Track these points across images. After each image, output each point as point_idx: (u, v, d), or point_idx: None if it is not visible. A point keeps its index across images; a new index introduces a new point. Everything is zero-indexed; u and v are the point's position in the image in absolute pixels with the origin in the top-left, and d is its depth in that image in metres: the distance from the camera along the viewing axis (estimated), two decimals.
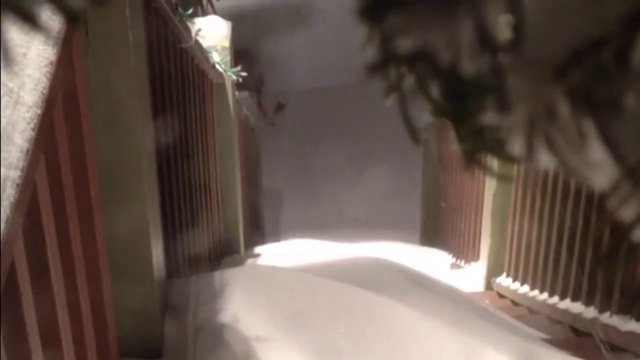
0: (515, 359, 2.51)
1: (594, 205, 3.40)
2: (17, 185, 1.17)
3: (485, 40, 0.53)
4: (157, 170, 2.77)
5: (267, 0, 10.16)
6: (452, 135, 0.69)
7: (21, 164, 1.20)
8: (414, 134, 0.70)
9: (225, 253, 5.07)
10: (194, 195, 3.94)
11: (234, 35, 5.20)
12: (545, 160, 0.63)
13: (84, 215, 1.78)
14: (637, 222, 0.62)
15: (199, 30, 4.18)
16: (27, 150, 1.24)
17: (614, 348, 3.18)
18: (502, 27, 0.50)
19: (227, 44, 5.00)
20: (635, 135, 0.54)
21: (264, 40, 10.36)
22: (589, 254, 3.49)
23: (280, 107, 10.74)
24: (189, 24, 3.91)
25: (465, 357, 2.54)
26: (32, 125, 1.29)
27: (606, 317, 3.29)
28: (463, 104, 0.63)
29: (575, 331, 3.62)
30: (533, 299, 4.23)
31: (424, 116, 0.71)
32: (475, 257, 5.56)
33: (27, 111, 1.30)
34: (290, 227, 9.62)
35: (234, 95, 5.42)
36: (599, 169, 0.59)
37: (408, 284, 3.63)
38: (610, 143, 0.55)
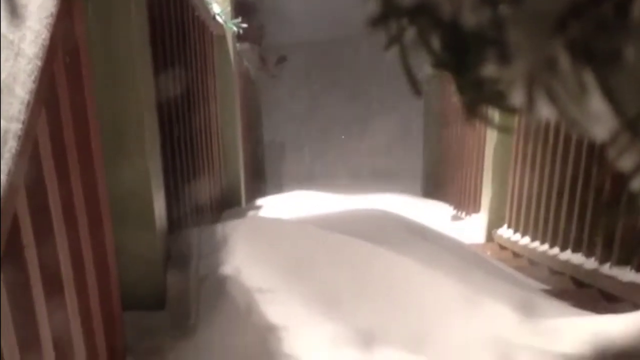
0: (514, 308, 2.53)
1: (595, 156, 3.40)
2: (19, 137, 1.17)
3: None
4: (159, 123, 2.76)
5: None
6: (452, 87, 0.69)
7: (22, 116, 1.20)
8: (415, 86, 0.70)
9: (227, 205, 5.09)
10: (195, 148, 3.94)
11: None
12: (546, 112, 0.63)
13: (85, 168, 1.79)
14: (636, 172, 0.63)
15: None
16: (28, 103, 1.24)
17: (614, 298, 3.20)
18: None
19: None
20: (634, 87, 0.54)
21: None
22: (590, 205, 3.50)
23: (281, 60, 10.69)
24: None
25: (464, 307, 2.56)
26: (32, 77, 1.29)
27: (606, 268, 3.30)
28: (464, 56, 0.63)
29: (576, 282, 3.64)
30: (534, 250, 4.25)
31: (424, 68, 0.71)
32: (476, 208, 5.58)
33: (28, 63, 1.30)
34: (291, 179, 9.65)
35: (234, 47, 5.39)
36: (599, 120, 0.59)
37: (409, 235, 3.65)
38: (610, 95, 0.56)
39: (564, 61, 0.55)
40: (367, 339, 2.36)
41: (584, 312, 2.74)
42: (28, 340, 1.26)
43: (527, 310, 2.54)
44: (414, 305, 2.59)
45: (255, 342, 2.35)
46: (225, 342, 2.36)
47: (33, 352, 1.28)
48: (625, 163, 0.62)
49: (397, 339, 2.37)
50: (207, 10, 4.46)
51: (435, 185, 7.65)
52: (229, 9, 4.94)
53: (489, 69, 0.62)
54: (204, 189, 4.17)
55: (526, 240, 4.44)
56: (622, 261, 3.18)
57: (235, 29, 4.96)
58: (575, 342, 2.22)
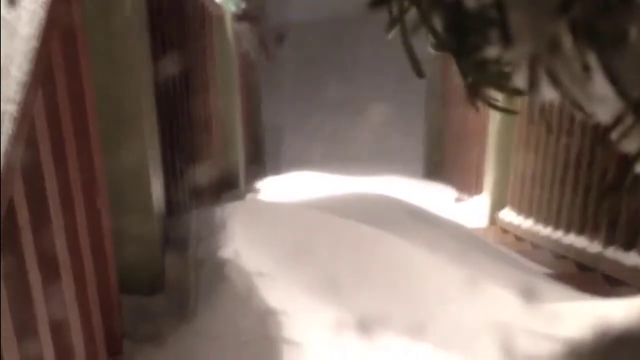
0: (515, 292, 2.53)
1: (599, 138, 3.38)
2: (15, 119, 1.16)
3: None
4: (157, 105, 2.75)
5: None
6: (455, 68, 0.68)
7: (18, 97, 1.19)
8: (417, 67, 0.69)
9: (226, 188, 5.08)
10: (194, 130, 3.93)
11: None
12: (549, 94, 0.62)
13: (83, 150, 1.78)
14: None
15: None
16: (24, 84, 1.23)
17: (617, 282, 3.20)
18: None
19: None
20: (637, 68, 0.53)
21: None
22: (594, 187, 3.49)
23: (280, 39, 10.65)
24: None
25: (466, 291, 2.55)
26: (28, 58, 1.28)
27: (610, 252, 3.30)
28: (466, 37, 0.62)
29: (579, 266, 3.63)
30: (537, 233, 4.24)
31: (426, 49, 0.70)
32: (479, 191, 5.57)
33: (25, 44, 1.28)
34: (291, 161, 9.63)
35: (234, 28, 5.37)
36: (602, 102, 0.58)
37: (410, 219, 3.64)
38: (614, 77, 0.54)
39: (567, 43, 0.54)
40: (367, 324, 2.36)
41: (587, 296, 2.74)
42: (25, 324, 1.25)
43: (528, 294, 2.53)
44: (415, 290, 2.59)
45: (255, 327, 2.34)
46: (224, 326, 2.36)
47: (30, 336, 1.27)
48: (629, 145, 0.61)
49: (398, 324, 2.37)
50: None
51: (437, 167, 7.64)
52: None
53: (492, 51, 0.60)
54: (203, 172, 4.16)
55: (529, 223, 4.43)
56: (626, 245, 3.18)
57: (234, 8, 4.94)
58: (577, 326, 2.22)
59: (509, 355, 2.18)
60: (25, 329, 1.25)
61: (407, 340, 2.28)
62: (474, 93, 0.68)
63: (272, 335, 2.29)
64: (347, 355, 2.22)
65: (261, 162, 8.43)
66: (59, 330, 1.45)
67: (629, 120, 0.59)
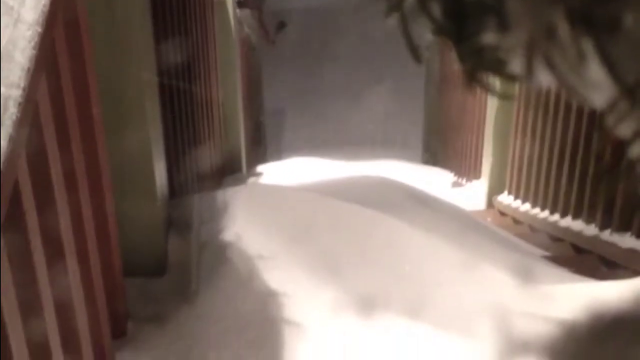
0: (512, 274, 2.55)
1: (596, 123, 3.40)
2: (19, 104, 1.17)
3: None
4: (159, 90, 2.76)
5: None
6: (453, 54, 0.69)
7: (22, 82, 1.20)
8: (415, 53, 0.70)
9: (228, 172, 5.09)
10: (196, 115, 3.94)
11: None
12: (545, 80, 0.64)
13: (86, 135, 1.79)
14: (635, 139, 0.63)
15: None
16: (28, 69, 1.24)
17: (614, 265, 3.21)
18: None
19: None
20: (633, 55, 0.55)
21: None
22: (591, 171, 3.50)
23: (281, 26, 10.63)
24: None
25: (463, 272, 2.57)
26: (32, 43, 1.29)
27: (607, 235, 3.31)
28: (464, 23, 0.63)
29: (576, 249, 3.65)
30: (534, 216, 4.26)
31: (425, 35, 0.71)
32: (477, 175, 5.59)
33: (28, 29, 1.29)
34: (292, 146, 9.64)
35: (234, 13, 5.37)
36: (598, 88, 0.60)
37: (410, 202, 3.66)
38: (609, 63, 0.56)
39: (563, 29, 0.55)
40: (367, 305, 2.38)
41: (584, 278, 2.76)
42: (30, 306, 1.27)
43: (525, 276, 2.55)
44: (413, 271, 2.60)
45: (256, 308, 2.36)
46: (226, 308, 2.38)
47: (35, 318, 1.29)
48: (624, 130, 0.62)
49: (397, 305, 2.39)
50: None
51: (435, 152, 7.65)
52: None
53: (489, 37, 0.62)
54: (205, 156, 4.17)
55: (527, 206, 4.45)
56: (622, 227, 3.20)
57: None
58: (572, 307, 2.24)
59: (506, 336, 2.20)
60: (30, 310, 1.26)
61: (406, 321, 2.30)
62: (472, 79, 0.70)
63: (273, 316, 2.31)
64: (347, 336, 2.24)
65: (262, 146, 8.43)
66: (63, 312, 1.47)
67: (623, 105, 0.61)
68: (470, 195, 5.43)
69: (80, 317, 1.59)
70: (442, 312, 2.39)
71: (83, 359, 1.58)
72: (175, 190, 3.13)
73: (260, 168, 6.09)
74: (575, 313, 2.21)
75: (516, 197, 4.66)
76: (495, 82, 0.74)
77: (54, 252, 1.44)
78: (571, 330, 2.14)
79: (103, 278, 1.88)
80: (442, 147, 7.31)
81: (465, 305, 2.41)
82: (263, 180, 5.36)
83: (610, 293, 2.29)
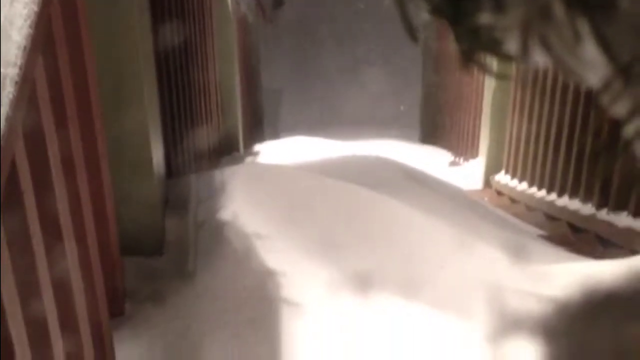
0: (507, 253, 2.56)
1: (592, 102, 3.39)
2: (16, 83, 1.17)
3: None
4: (157, 69, 2.76)
5: None
6: (450, 34, 0.69)
7: (19, 61, 1.20)
8: (412, 33, 0.70)
9: (225, 151, 5.09)
10: (194, 95, 3.93)
11: None
12: (541, 60, 0.64)
13: (83, 114, 1.79)
14: (630, 118, 0.63)
15: None
16: (25, 48, 1.24)
17: (610, 244, 3.22)
18: None
19: None
20: (627, 34, 0.55)
21: None
22: (587, 150, 3.50)
23: (278, 4, 10.59)
24: None
25: (459, 251, 2.58)
26: (29, 22, 1.28)
27: (603, 214, 3.32)
28: (460, 3, 0.63)
29: (573, 227, 3.65)
30: (531, 195, 4.26)
31: (422, 15, 0.71)
32: (474, 154, 5.59)
33: (24, 8, 1.29)
34: (289, 125, 9.63)
35: None
36: (593, 67, 0.60)
37: (406, 181, 3.66)
38: (604, 42, 0.56)
39: (559, 9, 0.56)
40: (363, 284, 2.39)
41: (580, 257, 2.77)
42: (28, 286, 1.27)
43: (520, 254, 2.56)
44: (409, 251, 2.61)
45: (254, 287, 2.37)
46: (223, 287, 2.39)
47: (33, 298, 1.29)
48: (619, 109, 0.63)
49: (393, 283, 2.40)
50: None
51: (433, 131, 7.64)
52: None
53: (485, 17, 0.62)
54: (203, 136, 4.17)
55: (524, 186, 4.45)
56: (619, 206, 3.20)
57: None
58: (567, 285, 2.25)
59: (501, 314, 2.21)
60: (28, 290, 1.26)
61: (402, 299, 2.31)
62: (469, 59, 0.70)
63: (271, 295, 2.32)
64: (343, 315, 2.25)
65: (260, 125, 8.42)
66: (61, 291, 1.47)
67: (618, 84, 0.61)
68: (467, 174, 5.43)
69: (78, 297, 1.59)
70: (438, 290, 2.40)
71: (81, 337, 1.59)
72: (173, 170, 3.14)
73: (257, 147, 6.09)
74: (569, 291, 2.22)
75: (513, 177, 4.67)
76: (492, 62, 0.74)
77: (52, 232, 1.44)
78: (565, 308, 2.15)
79: (100, 257, 1.89)
80: (440, 126, 7.31)
81: (461, 284, 2.42)
82: (260, 159, 5.36)
83: (605, 272, 2.30)
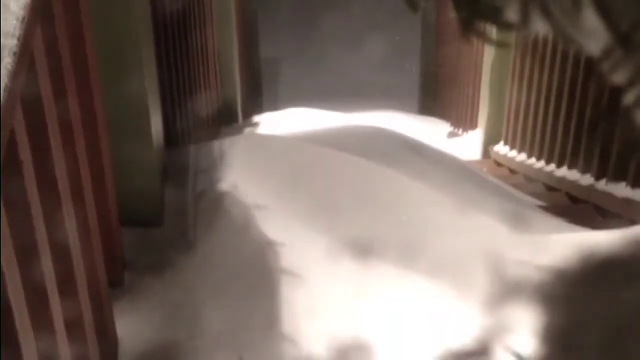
0: (505, 222, 2.56)
1: (592, 72, 3.38)
2: (14, 53, 1.17)
3: None
4: (155, 39, 2.75)
5: None
6: (449, 3, 0.69)
7: (18, 32, 1.20)
8: (411, 3, 0.70)
9: (224, 122, 5.08)
10: (192, 63, 3.92)
11: None
12: (541, 28, 0.64)
13: (82, 84, 1.79)
14: (630, 86, 0.63)
15: None
16: (23, 19, 1.23)
17: (609, 214, 3.22)
18: None
19: None
20: (627, 2, 0.55)
21: None
22: (586, 121, 3.50)
23: None
24: None
25: (457, 220, 2.59)
26: None
27: (602, 184, 3.32)
28: None
29: (572, 198, 3.66)
30: (530, 166, 4.26)
31: None
32: (473, 125, 5.58)
33: None
34: (288, 96, 9.60)
35: None
36: (593, 35, 0.60)
37: (405, 151, 3.66)
38: (604, 10, 0.56)
39: None
40: (362, 253, 2.40)
41: (579, 227, 2.77)
42: (27, 254, 1.27)
43: (519, 224, 2.57)
44: (408, 220, 2.62)
45: (253, 256, 2.38)
46: (223, 257, 2.40)
47: (32, 267, 1.29)
48: (619, 77, 0.63)
49: (392, 252, 2.41)
50: None
51: (432, 102, 7.63)
52: None
53: None
54: (201, 106, 4.16)
55: (522, 156, 4.45)
56: (618, 177, 3.20)
57: None
58: (564, 255, 2.26)
59: (499, 283, 2.22)
60: (27, 258, 1.27)
61: (401, 268, 2.32)
62: (468, 27, 0.70)
63: (271, 264, 2.33)
64: (342, 283, 2.26)
65: (259, 95, 8.40)
66: (60, 260, 1.47)
67: (618, 52, 0.61)
68: (467, 145, 5.43)
69: (77, 266, 1.59)
70: (436, 259, 2.41)
71: (80, 304, 1.60)
72: (172, 140, 3.13)
73: (256, 118, 6.08)
74: (567, 260, 2.23)
75: (512, 147, 4.67)
76: (492, 30, 0.74)
77: (51, 200, 1.44)
78: (563, 276, 2.16)
79: (100, 227, 1.89)
80: (439, 97, 7.30)
81: (459, 253, 2.43)
82: (259, 130, 5.35)
83: (603, 241, 2.30)
